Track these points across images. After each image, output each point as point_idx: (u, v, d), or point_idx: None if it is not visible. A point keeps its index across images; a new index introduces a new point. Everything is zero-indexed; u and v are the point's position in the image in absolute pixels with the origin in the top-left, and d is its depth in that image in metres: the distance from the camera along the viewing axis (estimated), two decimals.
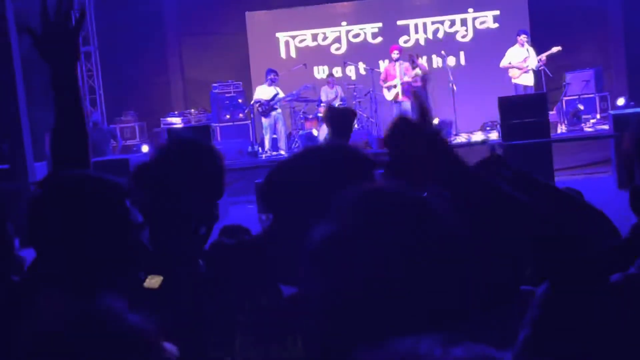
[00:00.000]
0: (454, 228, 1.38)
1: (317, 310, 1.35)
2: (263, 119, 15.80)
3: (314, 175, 2.00)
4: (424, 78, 15.39)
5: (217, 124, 16.05)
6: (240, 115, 16.45)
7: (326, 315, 1.35)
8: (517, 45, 15.35)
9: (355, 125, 15.32)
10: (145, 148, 15.60)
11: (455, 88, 15.23)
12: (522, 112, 12.40)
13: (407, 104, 15.18)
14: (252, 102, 16.02)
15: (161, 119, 16.52)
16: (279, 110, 15.76)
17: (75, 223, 1.87)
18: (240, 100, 16.50)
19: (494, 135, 14.65)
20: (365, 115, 15.81)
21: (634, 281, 1.64)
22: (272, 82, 15.76)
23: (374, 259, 1.31)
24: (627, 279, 1.65)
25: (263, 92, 15.75)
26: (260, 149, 15.67)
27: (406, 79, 15.20)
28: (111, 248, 1.88)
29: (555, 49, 15.05)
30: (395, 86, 15.27)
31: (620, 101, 15.00)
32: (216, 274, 2.16)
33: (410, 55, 15.54)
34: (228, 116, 16.43)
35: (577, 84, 15.84)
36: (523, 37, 15.34)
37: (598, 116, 15.42)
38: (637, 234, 1.87)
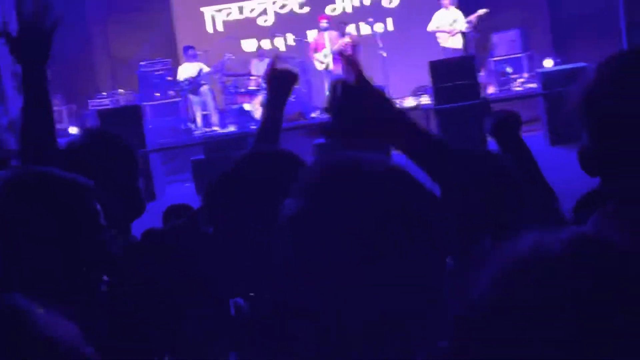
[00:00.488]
0: (426, 193, 1.38)
1: (294, 283, 1.35)
2: (192, 97, 15.61)
3: (257, 187, 1.97)
4: (354, 46, 15.41)
5: (147, 103, 15.80)
6: (171, 93, 16.23)
7: (304, 284, 1.35)
8: (443, 9, 15.44)
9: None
10: (72, 130, 15.28)
11: (385, 54, 15.26)
12: (453, 75, 12.54)
13: (339, 72, 15.16)
14: (180, 80, 15.79)
15: (89, 100, 16.20)
16: (208, 87, 15.58)
17: (36, 223, 1.75)
18: (169, 78, 16.26)
19: (425, 100, 14.74)
20: (296, 86, 15.71)
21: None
22: (193, 58, 15.56)
23: (345, 229, 1.30)
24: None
25: (186, 69, 15.55)
26: (193, 126, 15.51)
27: (336, 47, 15.17)
28: (75, 251, 1.78)
29: (481, 11, 15.18)
30: (325, 56, 15.23)
31: (548, 62, 15.19)
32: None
33: (339, 24, 15.53)
34: (158, 94, 16.20)
35: (504, 44, 16.02)
36: (448, 0, 15.41)
37: (526, 75, 15.63)
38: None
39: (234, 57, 15.81)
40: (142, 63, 16.37)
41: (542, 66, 14.70)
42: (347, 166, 1.40)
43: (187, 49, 15.67)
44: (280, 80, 2.86)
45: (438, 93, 12.59)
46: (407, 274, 1.31)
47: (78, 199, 1.81)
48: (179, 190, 12.35)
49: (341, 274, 1.31)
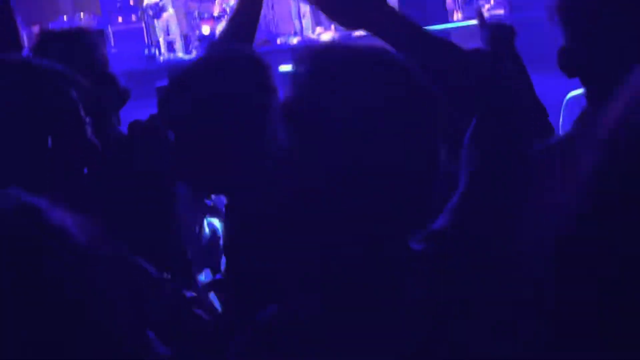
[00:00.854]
0: (426, 87, 1.38)
1: (293, 168, 1.35)
2: (155, 21, 15.34)
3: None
4: None
5: (110, 28, 15.51)
6: (133, 17, 15.94)
7: (302, 173, 1.35)
8: None
9: None
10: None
11: None
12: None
13: None
14: (143, 5, 15.50)
15: (50, 25, 15.84)
16: (171, 12, 15.30)
17: (14, 113, 1.68)
18: (132, 2, 15.96)
19: None
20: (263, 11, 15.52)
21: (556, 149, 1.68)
22: None
23: (344, 114, 1.30)
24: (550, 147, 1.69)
25: None
26: (157, 52, 15.28)
27: None
28: (56, 142, 1.71)
29: None
30: None
31: None
32: None
33: None
34: (120, 19, 15.91)
35: None
36: None
37: (492, 1, 15.52)
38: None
39: None
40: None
41: None
42: (343, 51, 1.40)
43: None
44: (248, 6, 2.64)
45: None
46: (402, 157, 1.32)
47: (57, 87, 1.73)
48: (144, 117, 12.27)
49: (340, 154, 1.31)
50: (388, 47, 1.52)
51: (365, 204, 1.31)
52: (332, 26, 15.35)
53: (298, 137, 1.35)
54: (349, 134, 1.30)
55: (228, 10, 15.10)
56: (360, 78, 1.33)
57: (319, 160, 1.32)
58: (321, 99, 1.33)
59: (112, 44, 15.04)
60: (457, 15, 15.15)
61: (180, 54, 14.98)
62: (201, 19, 15.38)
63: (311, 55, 1.42)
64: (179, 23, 15.49)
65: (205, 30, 15.04)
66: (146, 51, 15.00)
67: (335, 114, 1.31)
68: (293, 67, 1.41)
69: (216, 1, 15.40)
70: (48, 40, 2.41)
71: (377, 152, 1.30)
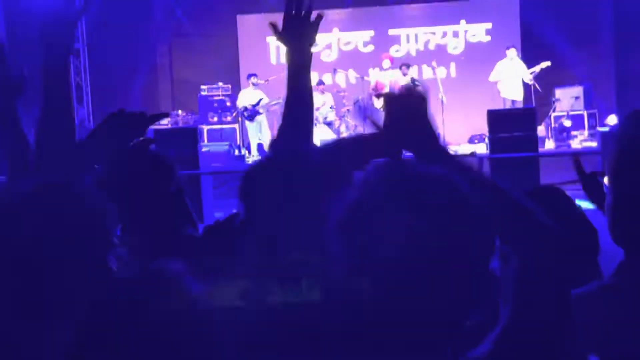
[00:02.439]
0: (479, 210, 1.41)
1: (340, 274, 1.40)
2: (248, 123, 15.73)
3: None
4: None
5: (204, 126, 15.96)
6: (228, 118, 16.37)
7: (349, 279, 1.39)
8: (506, 59, 15.37)
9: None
10: None
11: (444, 99, 15.21)
12: (511, 126, 12.38)
13: None
14: (238, 107, 15.95)
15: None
16: (264, 115, 15.69)
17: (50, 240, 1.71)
18: (228, 104, 16.43)
19: (481, 148, 14.62)
20: (353, 123, 15.77)
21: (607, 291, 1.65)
22: (255, 86, 15.69)
23: (398, 232, 1.34)
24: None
25: (247, 96, 15.69)
26: (247, 153, 15.59)
27: (396, 88, 15.19)
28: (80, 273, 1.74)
29: (544, 64, 15.09)
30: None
31: (612, 119, 14.98)
32: None
33: (402, 66, 15.56)
34: (215, 118, 16.35)
35: (566, 100, 15.84)
36: (513, 51, 15.35)
37: (586, 133, 15.41)
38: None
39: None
40: (203, 87, 16.56)
41: (604, 124, 14.49)
42: (410, 170, 1.46)
43: (250, 76, 15.83)
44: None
45: (494, 142, 12.45)
46: (456, 278, 1.35)
47: (87, 218, 1.79)
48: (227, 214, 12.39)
49: (395, 269, 1.34)
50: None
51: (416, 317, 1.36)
52: None
53: (355, 250, 1.38)
54: (403, 254, 1.34)
55: (320, 119, 15.39)
56: (420, 204, 1.37)
57: (373, 275, 1.35)
58: (380, 218, 1.37)
59: (205, 141, 15.43)
60: (549, 144, 15.07)
61: None
62: None
63: (373, 176, 1.46)
64: (271, 126, 15.84)
65: None
66: (236, 152, 15.31)
67: (391, 232, 1.35)
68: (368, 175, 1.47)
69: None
70: None
71: (427, 278, 1.34)
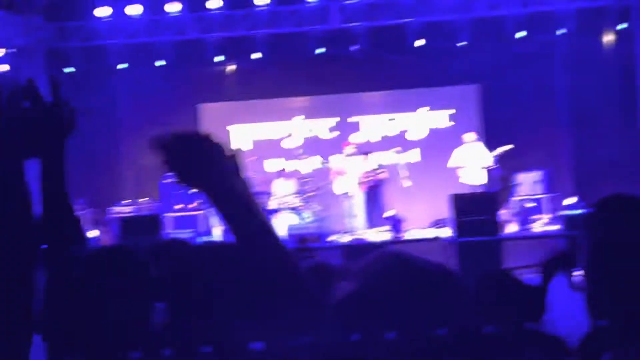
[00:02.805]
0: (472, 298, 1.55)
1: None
2: (212, 210, 15.61)
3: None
4: (379, 178, 15.66)
5: (167, 214, 15.85)
6: (190, 205, 16.29)
7: None
8: (466, 145, 15.57)
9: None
10: (94, 233, 15.31)
11: (408, 184, 15.31)
12: (474, 210, 12.50)
13: (359, 197, 15.23)
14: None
15: (110, 208, 16.28)
16: None
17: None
18: (189, 192, 16.34)
19: (445, 233, 14.67)
20: (317, 209, 15.77)
21: None
22: None
23: (394, 319, 1.44)
24: None
25: None
26: (212, 239, 15.46)
27: (360, 174, 15.28)
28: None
29: (504, 148, 15.30)
30: (348, 180, 15.30)
31: (571, 200, 15.19)
32: None
33: (365, 153, 15.69)
34: (179, 206, 16.26)
35: (527, 184, 16.04)
36: (472, 136, 15.57)
37: (547, 216, 15.57)
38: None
39: (256, 176, 15.91)
40: (166, 174, 16.50)
41: (565, 208, 14.66)
42: (405, 263, 1.55)
43: None
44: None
45: (458, 227, 12.53)
46: None
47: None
48: None
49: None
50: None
51: None
52: (381, 229, 15.45)
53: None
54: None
55: (284, 206, 15.39)
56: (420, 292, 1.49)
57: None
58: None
59: (168, 229, 15.30)
60: (512, 227, 15.17)
61: None
62: None
63: (372, 261, 1.58)
64: None
65: None
66: (200, 239, 15.17)
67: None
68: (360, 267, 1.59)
69: (273, 197, 15.73)
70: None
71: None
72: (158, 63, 17.06)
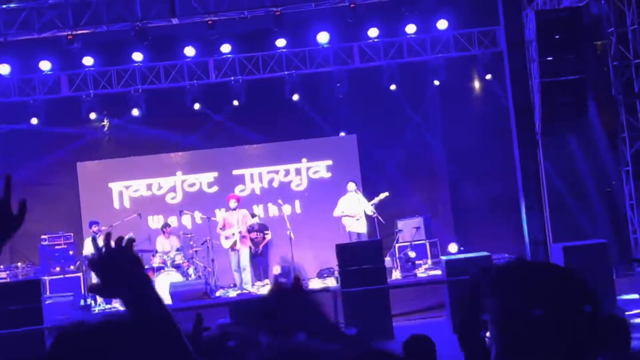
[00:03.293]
0: None
1: None
2: (93, 272, 15.19)
3: None
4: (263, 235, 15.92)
5: (46, 277, 15.33)
6: (72, 267, 15.82)
7: None
8: (348, 194, 15.80)
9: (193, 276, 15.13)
10: None
11: (292, 236, 15.38)
12: (359, 258, 12.65)
13: (245, 251, 15.18)
14: (82, 255, 15.48)
15: None
16: None
17: None
18: (71, 252, 15.92)
19: (331, 282, 14.79)
20: (202, 265, 15.61)
21: None
22: (97, 234, 15.27)
23: None
24: None
25: (90, 244, 15.25)
26: (93, 302, 15.03)
27: (243, 228, 15.26)
28: None
29: (383, 195, 15.61)
30: (233, 234, 15.24)
31: (452, 247, 15.61)
32: None
33: (252, 215, 15.76)
34: (58, 269, 15.76)
35: (408, 230, 16.39)
36: (353, 186, 15.82)
37: (429, 262, 15.93)
38: None
39: (133, 236, 15.59)
40: (44, 236, 16.01)
41: (445, 252, 15.04)
42: None
43: (92, 224, 15.44)
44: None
45: (344, 276, 12.64)
46: None
47: None
48: None
49: None
50: None
51: None
52: (268, 282, 15.42)
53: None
54: None
55: (168, 262, 15.16)
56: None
57: None
58: None
59: (48, 293, 14.79)
60: (396, 274, 15.42)
61: (116, 305, 14.77)
62: None
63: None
64: None
65: None
66: (82, 302, 14.75)
67: None
68: None
69: (156, 254, 15.48)
70: None
71: None
72: (33, 121, 16.63)
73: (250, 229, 15.54)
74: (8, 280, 14.95)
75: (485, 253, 12.82)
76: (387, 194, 15.64)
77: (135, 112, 16.78)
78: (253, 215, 15.87)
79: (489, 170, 16.92)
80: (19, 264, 16.10)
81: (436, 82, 16.73)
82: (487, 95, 17.08)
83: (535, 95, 14.64)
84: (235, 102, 16.81)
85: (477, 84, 17.39)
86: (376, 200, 15.66)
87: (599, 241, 12.94)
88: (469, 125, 16.88)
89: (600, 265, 11.94)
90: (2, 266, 15.92)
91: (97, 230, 15.30)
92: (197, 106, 16.76)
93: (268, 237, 16.30)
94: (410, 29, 16.33)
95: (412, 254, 15.72)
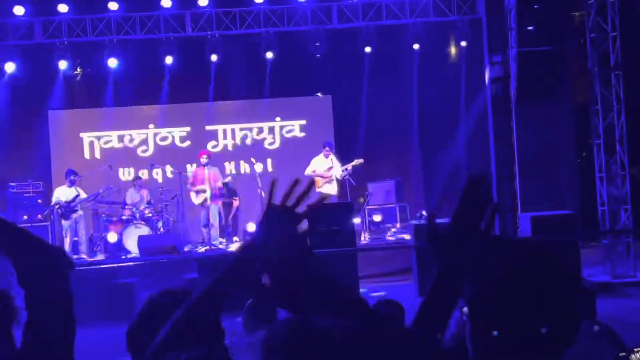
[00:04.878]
0: None
1: None
2: (63, 221, 15.16)
3: None
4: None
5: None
6: (39, 216, 15.71)
7: None
8: (321, 155, 15.80)
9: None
10: None
11: (263, 194, 15.36)
12: (329, 220, 12.66)
13: (214, 208, 15.16)
14: (52, 204, 15.38)
15: None
16: (81, 212, 15.19)
17: None
18: (39, 201, 15.80)
19: None
20: (172, 220, 15.59)
21: None
22: (72, 184, 15.21)
23: None
24: None
25: (63, 193, 15.17)
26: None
27: (219, 184, 15.24)
28: None
29: (357, 161, 15.64)
30: (204, 191, 15.21)
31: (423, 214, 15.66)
32: None
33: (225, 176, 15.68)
34: (25, 217, 15.64)
35: (379, 193, 16.43)
36: (327, 149, 15.81)
37: (398, 225, 15.99)
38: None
39: (114, 188, 15.55)
40: (12, 184, 15.88)
41: (415, 217, 15.11)
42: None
43: (69, 172, 15.29)
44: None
45: (313, 237, 12.64)
46: None
47: None
48: None
49: None
50: None
51: None
52: (237, 238, 15.45)
53: None
54: None
55: (137, 215, 15.11)
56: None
57: None
58: None
59: None
60: (365, 237, 15.50)
61: (84, 256, 14.75)
62: (109, 221, 15.29)
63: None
64: (86, 224, 15.36)
65: (112, 236, 14.93)
66: None
67: None
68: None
69: (126, 206, 15.42)
70: None
71: None
72: (6, 67, 16.36)
73: (219, 193, 15.44)
74: None
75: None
76: (361, 160, 15.66)
77: (111, 62, 16.53)
78: (225, 176, 15.86)
79: (461, 137, 16.99)
80: None
81: (416, 46, 16.67)
82: (463, 62, 17.06)
83: (511, 64, 14.65)
84: (214, 57, 16.61)
85: (453, 50, 17.36)
86: (349, 165, 15.67)
87: (566, 212, 13.08)
88: (444, 91, 16.91)
89: (567, 236, 12.09)
90: None
91: (74, 179, 15.20)
92: (169, 60, 16.55)
93: (236, 203, 16.23)
94: None
95: (377, 218, 15.80)
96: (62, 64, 16.52)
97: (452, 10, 16.45)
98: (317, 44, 16.47)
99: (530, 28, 13.92)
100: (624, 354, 2.72)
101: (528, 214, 13.12)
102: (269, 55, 16.59)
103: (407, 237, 14.65)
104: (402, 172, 17.34)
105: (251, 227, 15.26)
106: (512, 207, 14.55)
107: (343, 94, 17.42)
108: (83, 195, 15.20)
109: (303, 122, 17.84)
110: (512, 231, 14.50)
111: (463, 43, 16.55)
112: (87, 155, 17.52)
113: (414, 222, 13.87)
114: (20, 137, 17.01)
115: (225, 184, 15.58)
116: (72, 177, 15.23)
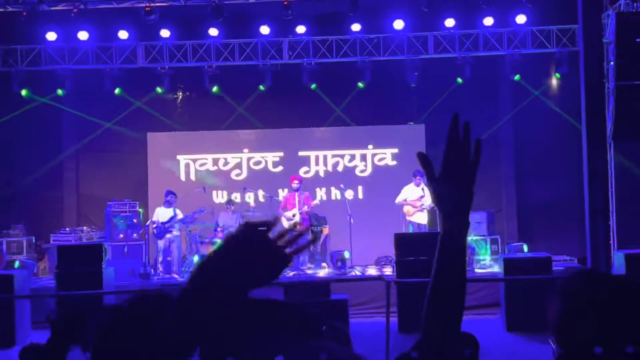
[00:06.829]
0: None
1: None
2: (158, 241, 15.55)
3: None
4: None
5: (109, 243, 15.68)
6: (135, 235, 16.14)
7: None
8: (412, 184, 15.73)
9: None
10: (16, 264, 15.06)
11: (352, 221, 15.41)
12: (417, 249, 12.57)
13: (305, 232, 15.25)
14: (147, 223, 15.78)
15: (51, 234, 16.05)
16: (177, 233, 15.55)
17: None
18: (135, 220, 16.23)
19: (387, 270, 14.78)
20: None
21: None
22: (170, 204, 15.61)
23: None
24: None
25: (161, 213, 15.58)
26: (153, 270, 15.34)
27: (305, 208, 15.36)
28: None
29: None
30: (294, 215, 15.35)
31: (525, 248, 15.35)
32: None
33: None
34: (122, 235, 16.10)
35: (471, 225, 16.17)
36: (419, 178, 15.73)
37: (489, 258, 15.74)
38: None
39: (205, 210, 15.86)
40: (110, 202, 16.37)
41: (505, 250, 14.85)
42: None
43: (168, 193, 15.71)
44: None
45: (400, 266, 12.61)
46: None
47: None
48: None
49: None
50: None
51: None
52: (325, 263, 15.48)
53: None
54: None
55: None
56: None
57: None
58: None
59: (110, 258, 15.13)
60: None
61: (175, 275, 15.04)
62: (202, 242, 15.58)
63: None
64: (180, 244, 15.68)
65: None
66: (142, 269, 15.05)
67: None
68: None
69: (218, 228, 15.68)
70: None
71: None
72: (115, 91, 16.98)
73: (304, 218, 15.51)
74: (72, 242, 15.33)
75: (544, 254, 12.63)
76: None
77: (215, 89, 16.99)
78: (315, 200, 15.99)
79: (557, 170, 16.67)
80: (85, 227, 16.53)
81: (517, 78, 16.50)
82: (560, 94, 16.79)
83: (610, 98, 14.33)
84: (314, 86, 16.84)
85: (551, 82, 17.10)
86: None
87: None
88: (539, 123, 16.66)
89: None
90: (68, 228, 16.35)
91: (171, 200, 15.61)
92: (264, 86, 16.86)
93: (325, 231, 16.22)
94: (488, 21, 16.14)
95: (471, 248, 15.60)
96: (163, 87, 17.01)
97: (550, 42, 16.22)
98: (415, 74, 16.48)
99: (628, 61, 13.59)
100: None
101: (622, 252, 12.74)
102: (360, 85, 16.72)
103: (496, 269, 14.40)
104: (495, 203, 17.10)
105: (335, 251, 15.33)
106: (605, 244, 14.15)
107: (436, 123, 17.32)
108: (180, 215, 15.55)
109: (395, 150, 17.82)
110: (605, 269, 14.10)
111: (557, 75, 16.31)
112: (182, 177, 17.91)
113: (505, 255, 13.64)
114: (119, 157, 17.58)
115: (306, 212, 15.60)
116: (169, 198, 15.63)
